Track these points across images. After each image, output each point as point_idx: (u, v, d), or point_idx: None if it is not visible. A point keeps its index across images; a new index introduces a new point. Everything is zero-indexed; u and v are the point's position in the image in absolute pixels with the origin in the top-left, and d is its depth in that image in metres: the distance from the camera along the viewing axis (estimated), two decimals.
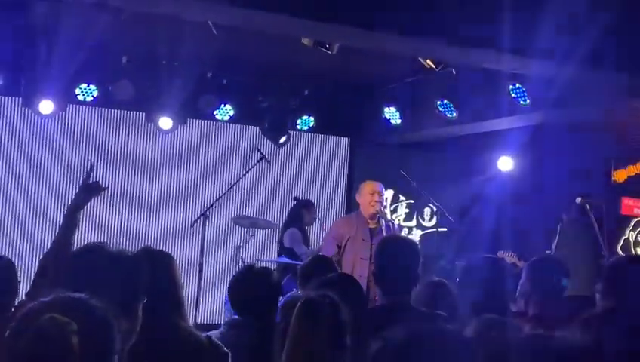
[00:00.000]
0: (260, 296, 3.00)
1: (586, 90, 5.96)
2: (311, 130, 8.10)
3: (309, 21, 4.70)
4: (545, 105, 5.99)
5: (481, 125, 7.22)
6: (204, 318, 7.52)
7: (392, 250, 3.20)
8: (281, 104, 7.68)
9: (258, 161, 6.98)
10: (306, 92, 7.69)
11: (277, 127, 7.79)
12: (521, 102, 6.32)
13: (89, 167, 2.94)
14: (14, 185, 7.30)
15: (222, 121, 7.68)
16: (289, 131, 7.89)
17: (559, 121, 7.00)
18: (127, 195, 7.65)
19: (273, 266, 6.26)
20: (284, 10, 4.50)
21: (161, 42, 6.19)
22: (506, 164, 7.86)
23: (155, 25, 5.52)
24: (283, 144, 7.98)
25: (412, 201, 8.73)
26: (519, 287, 3.06)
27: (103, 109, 7.52)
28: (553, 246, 6.06)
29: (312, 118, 7.92)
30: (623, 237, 9.13)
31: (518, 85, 6.25)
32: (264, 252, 8.03)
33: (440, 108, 7.15)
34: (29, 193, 7.34)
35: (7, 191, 7.27)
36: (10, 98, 7.16)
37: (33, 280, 2.47)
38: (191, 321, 3.11)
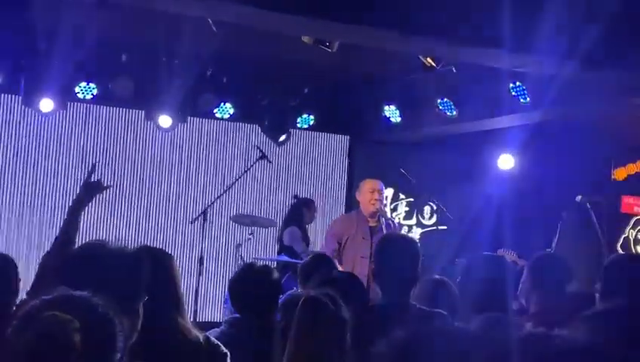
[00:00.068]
0: (260, 294, 3.00)
1: (586, 88, 5.95)
2: (311, 128, 8.10)
3: (309, 19, 4.69)
4: (545, 103, 5.98)
5: (481, 123, 7.21)
6: (203, 316, 7.52)
7: (392, 249, 3.20)
8: (281, 102, 7.68)
9: (258, 160, 6.98)
10: (306, 90, 7.68)
11: (277, 125, 7.79)
12: (521, 100, 6.32)
13: (91, 166, 2.94)
14: (14, 183, 7.29)
15: (222, 119, 7.67)
16: (289, 129, 7.89)
17: (559, 120, 6.99)
18: (126, 193, 7.64)
19: (273, 265, 6.25)
20: (284, 8, 4.49)
21: (160, 40, 6.18)
22: (506, 162, 7.86)
23: (155, 23, 5.51)
24: (283, 142, 7.98)
25: (412, 200, 8.73)
26: (520, 285, 3.06)
27: (103, 107, 7.51)
28: (553, 245, 6.06)
29: (312, 116, 7.91)
30: (623, 236, 9.13)
31: (518, 83, 6.25)
32: (264, 250, 8.03)
33: (440, 107, 7.14)
34: (29, 191, 7.33)
35: (6, 190, 7.26)
36: (9, 96, 7.16)
37: (34, 279, 2.47)
38: (190, 319, 3.11)
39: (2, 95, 7.15)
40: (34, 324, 1.29)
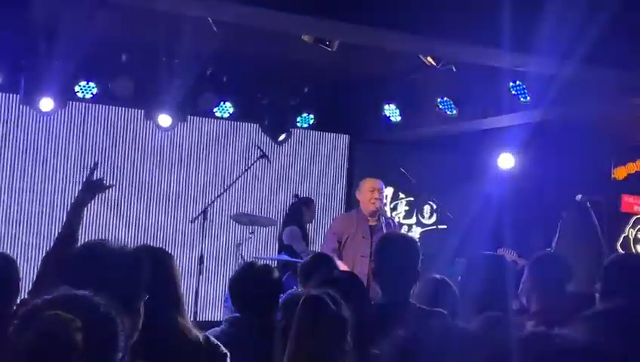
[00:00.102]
0: (261, 293, 2.99)
1: (587, 87, 5.95)
2: (311, 127, 8.10)
3: (308, 18, 4.69)
4: (545, 102, 5.98)
5: (481, 122, 7.21)
6: (203, 316, 7.53)
7: (392, 248, 3.20)
8: (281, 101, 7.68)
9: (258, 159, 6.98)
10: (306, 89, 7.68)
11: (277, 124, 7.79)
12: (522, 99, 6.32)
13: (93, 165, 2.94)
14: (13, 182, 7.29)
15: (222, 118, 7.67)
16: (289, 129, 7.89)
17: (559, 119, 6.99)
18: (126, 193, 7.64)
19: (273, 264, 6.25)
20: (284, 7, 4.49)
21: (160, 39, 6.18)
22: (506, 161, 7.86)
23: (155, 22, 5.51)
24: (283, 142, 7.97)
25: (412, 199, 8.74)
26: (521, 284, 3.06)
27: (103, 106, 7.51)
28: (553, 244, 6.06)
29: (311, 116, 7.91)
30: (623, 235, 9.14)
31: (518, 82, 6.25)
32: (264, 249, 8.03)
33: (440, 106, 7.14)
34: (29, 190, 7.33)
35: (6, 188, 7.26)
36: (9, 95, 7.15)
37: (36, 279, 2.46)
38: (190, 318, 3.11)
39: (2, 94, 7.15)
40: (36, 323, 1.28)
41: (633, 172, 9.07)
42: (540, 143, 7.63)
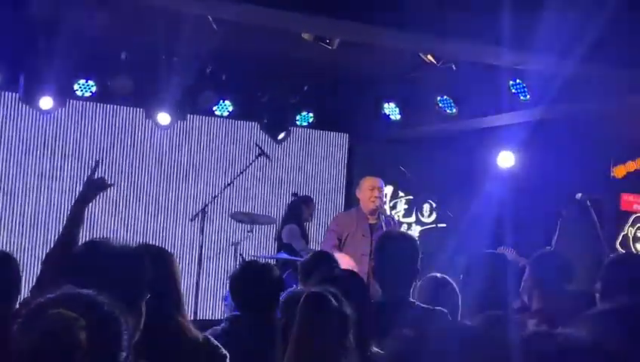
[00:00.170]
0: (261, 291, 2.99)
1: (586, 85, 5.95)
2: (310, 126, 8.09)
3: (308, 16, 4.68)
4: (545, 100, 5.98)
5: (481, 121, 7.21)
6: (203, 314, 7.52)
7: (391, 246, 3.20)
8: (281, 100, 7.67)
9: (257, 157, 6.97)
10: (306, 88, 7.67)
11: (276, 123, 7.78)
12: (522, 97, 6.31)
13: (94, 164, 2.93)
14: (13, 180, 7.28)
15: (221, 116, 7.66)
16: (288, 127, 7.88)
17: (559, 117, 6.99)
18: (125, 191, 7.63)
19: (273, 262, 6.25)
20: (284, 5, 4.49)
21: (160, 38, 6.17)
22: (505, 159, 7.86)
23: (154, 20, 5.50)
24: (282, 140, 7.97)
25: (411, 197, 8.74)
26: (522, 283, 3.06)
27: (102, 105, 7.50)
28: (553, 242, 6.06)
29: (311, 114, 7.90)
30: (622, 233, 9.15)
31: (518, 81, 6.24)
32: (263, 248, 8.03)
33: (440, 104, 7.14)
34: (28, 188, 7.32)
35: (6, 187, 7.25)
36: (8, 94, 7.15)
37: (37, 278, 2.45)
38: (190, 317, 3.11)
39: (1, 93, 7.14)
40: (39, 322, 1.28)
41: (633, 170, 9.07)
42: (540, 142, 7.63)
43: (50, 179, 7.38)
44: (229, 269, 7.53)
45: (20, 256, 6.70)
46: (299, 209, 7.12)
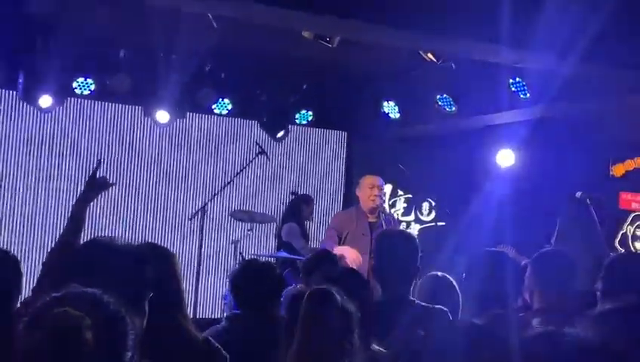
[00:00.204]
0: (262, 289, 2.98)
1: (586, 84, 5.95)
2: (309, 124, 8.08)
3: (308, 14, 4.68)
4: (545, 99, 5.98)
5: (481, 119, 7.21)
6: (202, 313, 7.52)
7: (390, 244, 3.19)
8: (280, 98, 7.66)
9: (257, 155, 6.96)
10: (305, 86, 7.66)
11: (275, 121, 7.77)
12: (521, 95, 6.31)
13: (96, 163, 2.92)
14: (12, 179, 7.26)
15: (220, 115, 7.65)
16: (287, 126, 7.87)
17: (559, 116, 6.99)
18: (124, 190, 7.62)
19: (273, 261, 6.24)
20: (284, 3, 4.48)
21: (158, 36, 6.15)
22: (505, 158, 7.86)
23: (153, 18, 5.49)
24: (281, 139, 7.96)
25: (410, 196, 8.73)
26: (525, 281, 3.05)
27: (101, 103, 7.48)
28: (552, 241, 6.05)
29: (310, 113, 7.89)
30: (621, 232, 9.16)
31: (518, 79, 6.24)
32: (262, 246, 8.02)
33: (439, 103, 7.13)
34: (27, 187, 7.30)
35: (5, 186, 7.23)
36: (7, 92, 7.13)
37: (39, 277, 2.44)
38: (190, 315, 3.09)
39: (0, 91, 7.12)
40: (45, 321, 1.26)
41: (631, 169, 9.08)
42: (540, 140, 7.63)
43: (49, 178, 7.36)
44: (228, 268, 7.52)
45: (19, 255, 6.66)
46: (298, 207, 7.11)
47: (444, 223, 8.58)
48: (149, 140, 7.73)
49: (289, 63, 6.84)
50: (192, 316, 5.68)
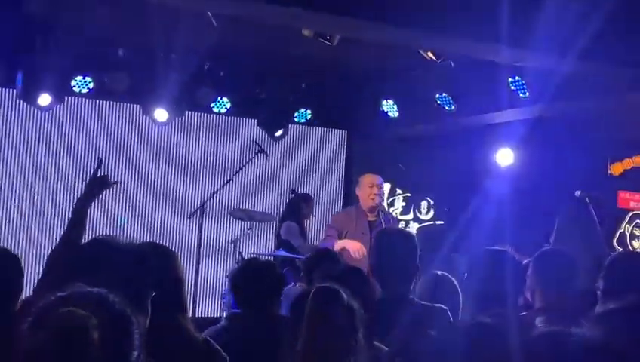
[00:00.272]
0: (262, 288, 2.97)
1: (584, 83, 5.95)
2: (308, 123, 8.07)
3: (309, 12, 4.67)
4: (544, 98, 5.99)
5: (480, 118, 7.21)
6: (201, 312, 7.51)
7: (390, 243, 3.18)
8: (279, 97, 7.65)
9: (256, 154, 6.95)
10: (304, 85, 7.65)
11: (274, 120, 7.76)
12: (521, 94, 6.31)
13: (98, 162, 2.92)
14: (11, 178, 7.25)
15: (219, 113, 7.64)
16: (286, 124, 7.86)
17: (557, 115, 6.99)
18: (123, 188, 7.60)
19: (271, 260, 6.23)
20: (283, 1, 4.47)
21: (157, 34, 6.14)
22: (504, 156, 7.86)
23: (152, 16, 5.48)
24: (279, 137, 7.95)
25: (409, 195, 8.73)
26: (527, 280, 3.05)
27: (99, 101, 7.47)
28: (551, 240, 6.05)
29: (309, 111, 7.89)
30: (619, 231, 9.16)
31: (517, 78, 6.24)
32: (262, 245, 8.02)
33: (438, 101, 7.13)
34: (25, 186, 7.29)
35: (4, 185, 7.22)
36: (5, 91, 7.11)
37: (41, 276, 2.43)
38: (189, 314, 3.08)
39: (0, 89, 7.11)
40: (51, 321, 1.25)
41: (630, 168, 9.09)
42: (538, 139, 7.63)
43: (48, 176, 7.35)
44: (227, 267, 7.51)
45: (21, 254, 6.65)
46: (298, 206, 7.10)
47: (442, 222, 8.59)
48: (148, 139, 7.72)
49: (288, 62, 6.83)
50: (190, 315, 5.68)
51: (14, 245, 7.02)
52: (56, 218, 7.20)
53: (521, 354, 1.26)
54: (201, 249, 6.66)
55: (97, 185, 2.69)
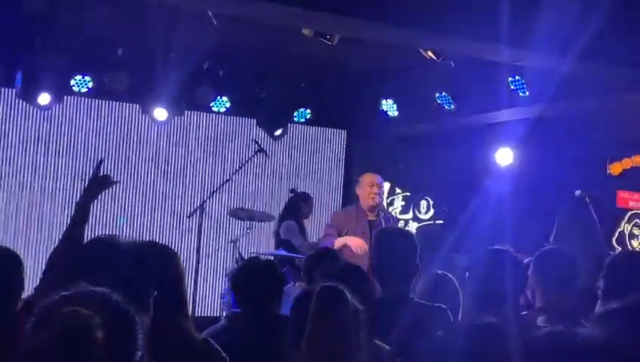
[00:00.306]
0: (263, 288, 2.97)
1: (584, 83, 5.96)
2: (308, 122, 8.07)
3: (309, 12, 4.67)
4: (544, 97, 5.99)
5: (480, 117, 7.21)
6: (200, 311, 7.51)
7: (390, 242, 3.18)
8: (278, 96, 7.65)
9: (255, 153, 6.95)
10: (303, 84, 7.65)
11: (274, 119, 7.76)
12: (520, 94, 6.32)
13: (99, 161, 2.92)
14: (11, 177, 7.24)
15: (218, 113, 7.64)
16: (286, 124, 7.86)
17: (557, 114, 7.00)
18: (123, 187, 7.60)
19: (271, 259, 6.23)
20: (284, 0, 4.47)
21: (157, 34, 6.14)
22: (504, 156, 7.86)
23: (152, 16, 5.48)
24: (279, 137, 7.95)
25: (408, 194, 8.73)
26: (528, 279, 3.06)
27: (99, 100, 7.47)
28: (551, 239, 6.05)
29: (309, 111, 7.89)
30: (618, 230, 9.17)
31: (517, 77, 6.24)
32: (261, 244, 8.01)
33: (438, 101, 7.13)
34: (24, 185, 7.28)
35: (5, 184, 7.21)
36: (5, 90, 7.11)
37: (42, 275, 2.43)
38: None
39: None
40: (54, 320, 1.25)
41: (629, 167, 9.10)
42: (538, 138, 7.64)
43: (47, 175, 7.34)
44: (227, 266, 7.52)
45: (21, 254, 6.64)
46: (297, 205, 7.10)
47: (442, 221, 8.59)
48: (148, 138, 7.72)
49: (288, 61, 6.83)
50: (190, 314, 5.68)
51: (12, 243, 7.02)
52: (54, 217, 7.20)
53: (524, 354, 1.26)
54: (201, 248, 6.66)
55: (98, 184, 2.68)
